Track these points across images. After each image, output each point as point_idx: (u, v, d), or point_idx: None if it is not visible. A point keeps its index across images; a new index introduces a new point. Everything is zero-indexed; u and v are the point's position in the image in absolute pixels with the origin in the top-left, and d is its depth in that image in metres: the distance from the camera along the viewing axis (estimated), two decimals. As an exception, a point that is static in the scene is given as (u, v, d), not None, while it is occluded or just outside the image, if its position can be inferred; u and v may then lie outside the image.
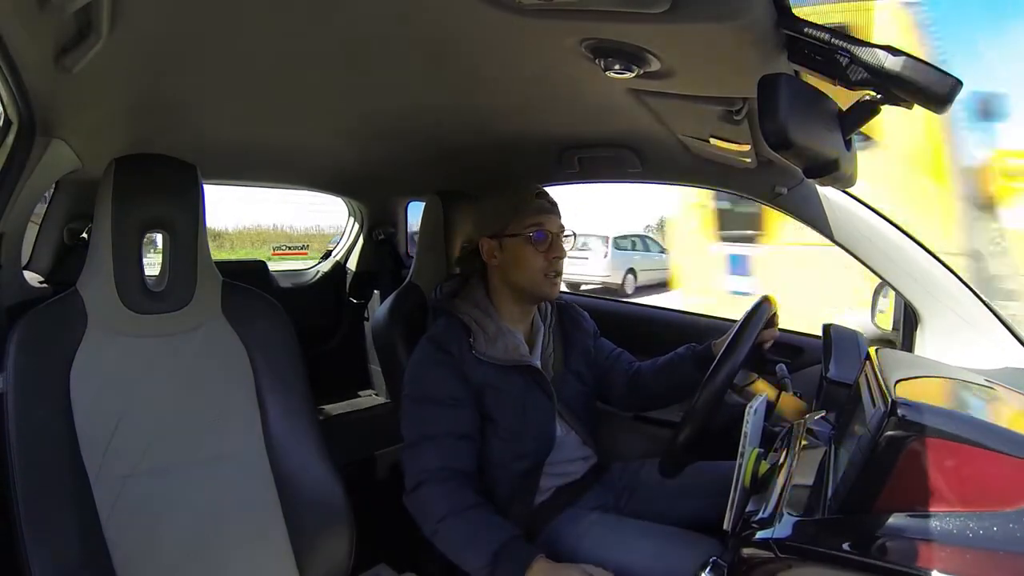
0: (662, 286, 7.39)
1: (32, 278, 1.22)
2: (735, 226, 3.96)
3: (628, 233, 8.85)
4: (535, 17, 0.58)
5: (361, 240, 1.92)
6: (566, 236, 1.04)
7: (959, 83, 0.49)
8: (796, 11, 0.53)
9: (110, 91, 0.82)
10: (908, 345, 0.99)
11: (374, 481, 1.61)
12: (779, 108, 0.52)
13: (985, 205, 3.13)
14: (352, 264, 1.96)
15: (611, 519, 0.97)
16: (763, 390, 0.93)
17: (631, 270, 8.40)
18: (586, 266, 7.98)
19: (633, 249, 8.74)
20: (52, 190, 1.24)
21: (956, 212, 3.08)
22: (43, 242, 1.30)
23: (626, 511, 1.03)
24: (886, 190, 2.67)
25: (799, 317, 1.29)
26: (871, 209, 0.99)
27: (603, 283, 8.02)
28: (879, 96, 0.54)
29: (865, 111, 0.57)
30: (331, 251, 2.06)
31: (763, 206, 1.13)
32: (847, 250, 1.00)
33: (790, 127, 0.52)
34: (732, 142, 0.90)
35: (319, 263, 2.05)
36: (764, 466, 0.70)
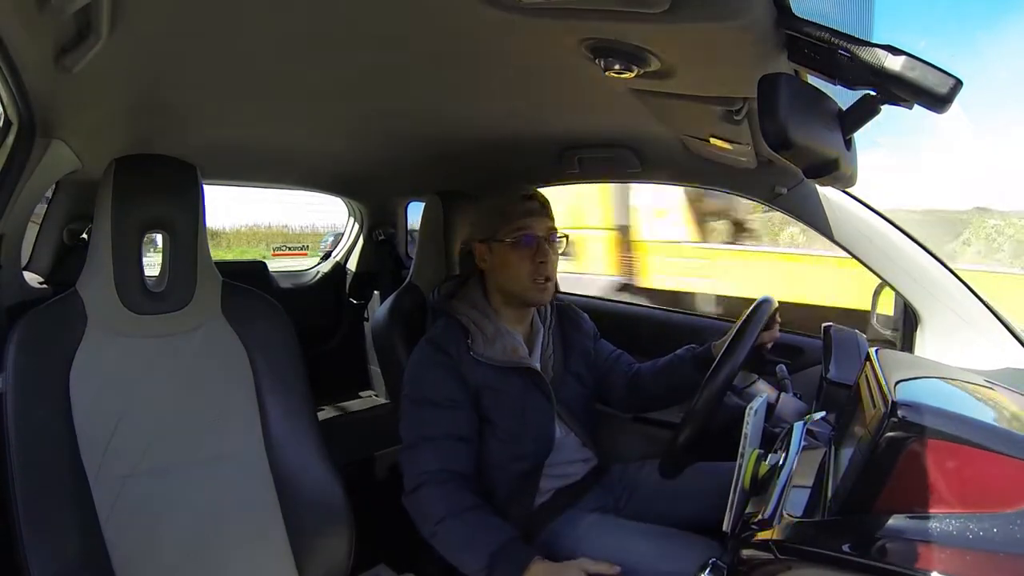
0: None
1: (32, 278, 1.22)
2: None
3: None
4: (535, 17, 0.57)
5: (361, 240, 1.92)
6: (557, 238, 1.02)
7: (959, 83, 0.49)
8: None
9: (110, 91, 0.82)
10: (908, 345, 0.99)
11: (374, 481, 1.61)
12: (779, 108, 0.51)
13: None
14: (352, 264, 1.96)
15: (610, 520, 0.97)
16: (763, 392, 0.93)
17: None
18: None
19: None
20: (52, 190, 1.24)
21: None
22: (43, 242, 1.30)
23: (625, 513, 1.03)
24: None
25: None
26: (871, 209, 0.99)
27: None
28: (879, 96, 0.54)
29: (866, 111, 0.57)
30: (331, 252, 2.07)
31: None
32: (847, 250, 1.00)
33: (790, 127, 0.52)
34: (732, 142, 0.89)
35: (319, 263, 2.05)
36: (764, 467, 0.69)
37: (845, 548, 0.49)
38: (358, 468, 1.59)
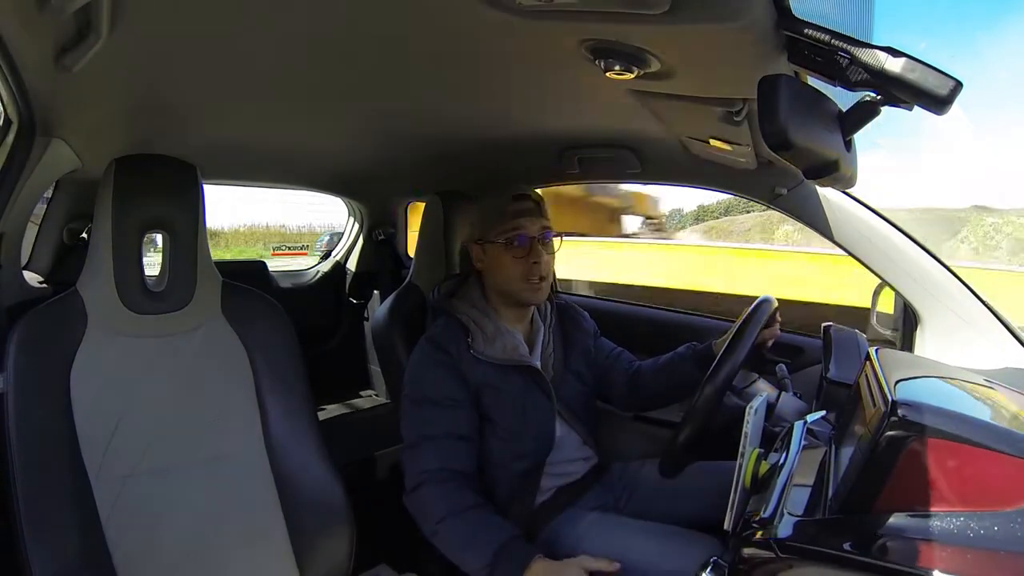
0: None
1: (32, 278, 1.22)
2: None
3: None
4: (535, 18, 0.57)
5: (361, 240, 1.92)
6: (551, 238, 1.02)
7: (959, 84, 0.49)
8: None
9: (110, 91, 0.81)
10: (908, 345, 0.99)
11: (374, 481, 1.61)
12: (779, 109, 0.52)
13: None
14: (352, 264, 1.96)
15: (611, 519, 0.97)
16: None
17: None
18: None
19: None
20: (52, 190, 1.24)
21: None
22: (43, 242, 1.29)
23: (626, 511, 1.03)
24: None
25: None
26: (871, 210, 0.99)
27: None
28: (879, 97, 0.54)
29: (865, 112, 0.57)
30: (330, 252, 2.07)
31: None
32: (847, 250, 1.00)
33: (790, 128, 0.52)
34: (732, 143, 0.90)
35: (319, 263, 2.05)
36: (764, 466, 0.70)
37: (846, 547, 0.49)
38: (358, 468, 1.59)
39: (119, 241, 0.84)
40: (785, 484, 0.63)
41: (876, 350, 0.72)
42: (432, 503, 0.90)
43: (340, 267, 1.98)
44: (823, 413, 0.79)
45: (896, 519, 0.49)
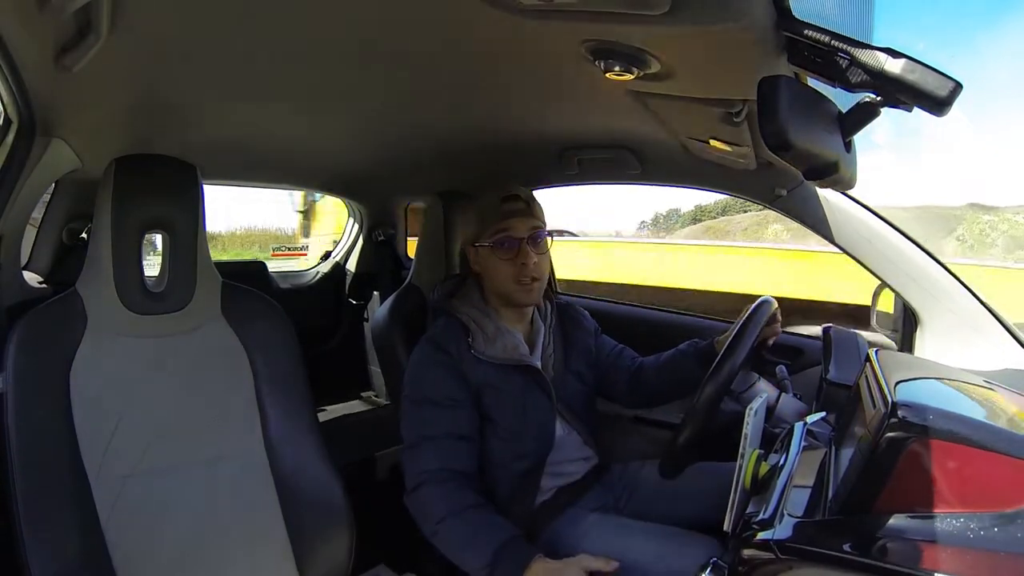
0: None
1: (32, 278, 1.22)
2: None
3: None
4: (535, 18, 0.58)
5: (361, 241, 1.92)
6: (543, 237, 1.01)
7: (959, 85, 0.49)
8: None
9: (110, 91, 0.81)
10: (908, 346, 0.99)
11: (374, 482, 1.61)
12: (779, 110, 0.52)
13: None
14: (352, 265, 1.96)
15: (612, 519, 0.97)
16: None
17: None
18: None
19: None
20: (52, 190, 1.24)
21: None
22: (43, 242, 1.30)
23: (626, 512, 1.03)
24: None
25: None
26: (870, 211, 0.99)
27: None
28: (879, 98, 0.54)
29: (865, 113, 0.57)
30: (330, 252, 2.07)
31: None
32: (847, 252, 1.00)
33: (790, 129, 0.52)
34: (732, 144, 0.90)
35: (319, 264, 2.05)
36: (764, 467, 0.70)
37: (846, 548, 0.49)
38: (358, 468, 1.59)
39: (119, 241, 0.84)
40: (785, 485, 0.63)
41: (876, 351, 0.72)
42: (432, 503, 0.90)
43: (340, 268, 1.98)
44: (823, 414, 0.79)
45: (896, 520, 0.49)
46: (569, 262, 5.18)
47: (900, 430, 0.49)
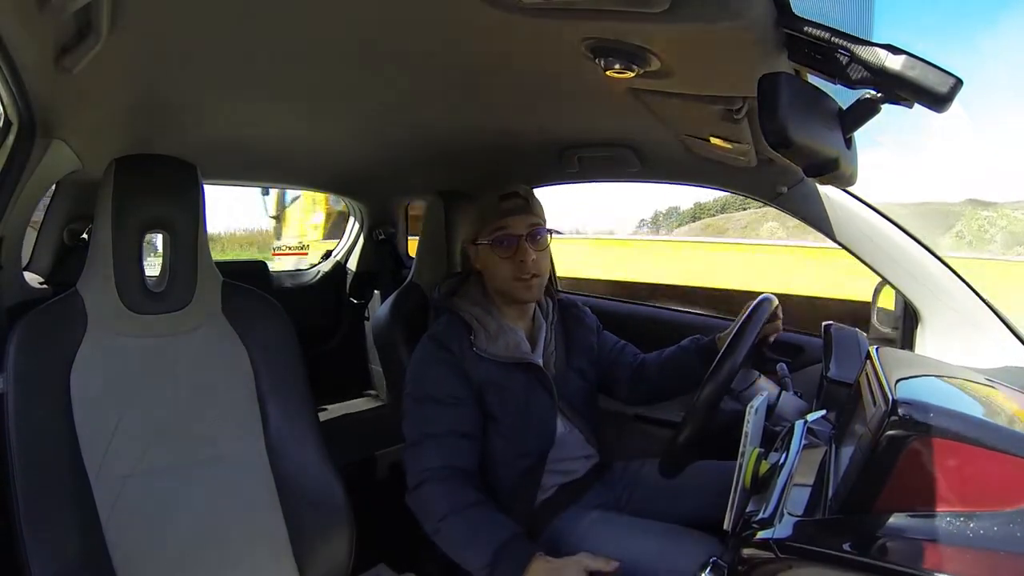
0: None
1: (32, 279, 1.23)
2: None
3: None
4: (535, 16, 0.57)
5: (361, 240, 1.92)
6: (542, 234, 1.01)
7: (960, 82, 0.49)
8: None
9: (110, 91, 0.81)
10: (908, 344, 0.99)
11: (374, 481, 1.61)
12: (779, 107, 0.52)
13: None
14: (352, 264, 1.96)
15: (613, 517, 0.97)
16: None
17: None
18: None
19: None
20: (52, 191, 1.25)
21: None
22: (43, 243, 1.30)
23: (627, 510, 1.03)
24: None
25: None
26: (872, 208, 0.99)
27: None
28: (879, 95, 0.54)
29: (866, 110, 0.57)
30: (331, 251, 2.07)
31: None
32: (848, 249, 1.00)
33: (790, 126, 0.52)
34: (732, 141, 0.90)
35: (319, 263, 2.05)
36: (765, 466, 0.70)
37: (846, 547, 0.49)
38: (358, 468, 1.59)
39: (119, 241, 0.84)
40: (785, 484, 0.63)
41: (876, 349, 0.72)
42: (434, 501, 0.90)
43: (340, 267, 1.98)
44: (823, 412, 0.79)
45: (896, 519, 0.48)
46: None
47: (901, 428, 0.49)
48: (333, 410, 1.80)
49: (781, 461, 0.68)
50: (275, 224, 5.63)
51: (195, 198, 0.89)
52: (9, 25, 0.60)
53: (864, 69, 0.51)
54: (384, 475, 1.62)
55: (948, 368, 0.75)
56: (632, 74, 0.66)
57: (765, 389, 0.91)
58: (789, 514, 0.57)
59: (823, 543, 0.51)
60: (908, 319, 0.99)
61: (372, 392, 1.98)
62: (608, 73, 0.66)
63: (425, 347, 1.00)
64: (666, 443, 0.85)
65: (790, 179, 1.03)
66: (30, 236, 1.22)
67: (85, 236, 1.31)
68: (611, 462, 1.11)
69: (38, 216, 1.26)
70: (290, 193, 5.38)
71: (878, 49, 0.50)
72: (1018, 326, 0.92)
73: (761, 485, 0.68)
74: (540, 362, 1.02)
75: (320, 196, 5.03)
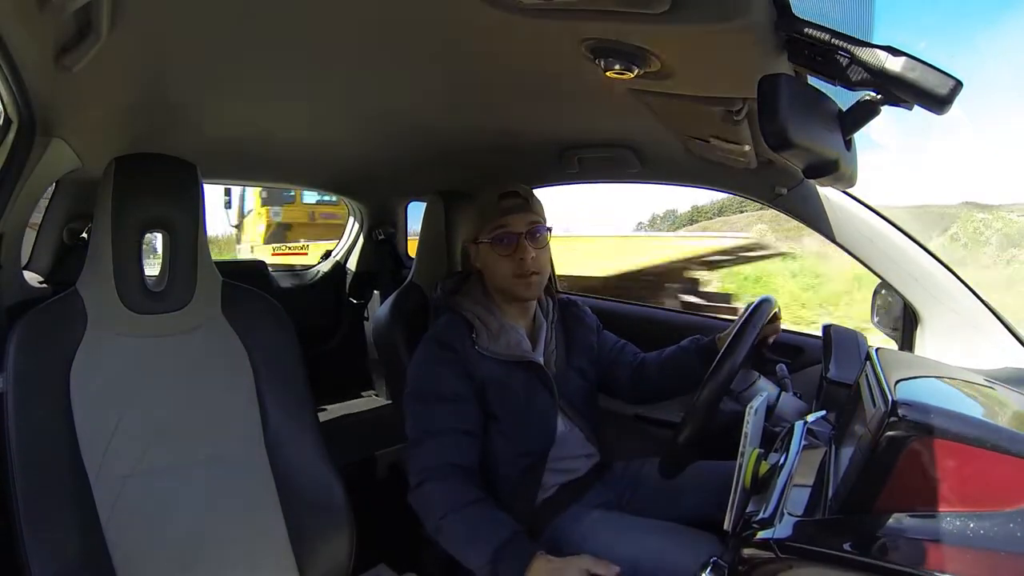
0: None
1: (32, 278, 1.22)
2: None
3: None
4: (535, 17, 0.58)
5: (361, 240, 1.92)
6: (542, 232, 1.01)
7: (959, 84, 0.49)
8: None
9: (110, 91, 0.82)
10: (908, 345, 0.99)
11: (374, 481, 1.61)
12: (779, 108, 0.52)
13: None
14: (352, 264, 1.96)
15: (614, 516, 0.97)
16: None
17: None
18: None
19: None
20: (52, 190, 1.24)
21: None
22: (43, 242, 1.30)
23: (628, 509, 1.03)
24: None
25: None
26: (871, 210, 0.99)
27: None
28: (879, 96, 0.54)
29: (865, 111, 0.57)
30: (330, 251, 2.07)
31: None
32: (847, 250, 1.00)
33: (790, 127, 0.52)
34: (732, 142, 0.90)
35: (319, 263, 2.05)
36: (764, 466, 0.70)
37: (846, 547, 0.49)
38: (358, 468, 1.59)
39: (119, 241, 0.84)
40: (785, 484, 0.63)
41: (876, 350, 0.72)
42: (435, 499, 0.90)
43: (340, 267, 1.98)
44: (823, 413, 0.79)
45: (896, 519, 0.48)
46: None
47: (900, 429, 0.49)
48: (333, 410, 1.80)
49: (781, 461, 0.68)
50: (236, 231, 6.76)
51: (195, 198, 0.89)
52: (9, 24, 0.60)
53: (864, 71, 0.51)
54: (384, 475, 1.62)
55: (948, 369, 0.75)
56: (632, 75, 0.66)
57: (765, 390, 0.91)
58: (789, 514, 0.57)
59: (823, 543, 0.51)
60: (908, 320, 0.99)
61: (372, 392, 1.98)
62: (608, 74, 0.66)
63: (427, 346, 1.00)
64: (666, 443, 0.85)
65: (790, 180, 1.03)
66: (29, 236, 1.22)
67: (85, 235, 1.31)
68: (611, 462, 1.11)
69: (35, 218, 1.26)
70: (247, 206, 6.53)
71: (878, 51, 0.50)
72: (1017, 327, 0.92)
73: (761, 485, 0.68)
74: (541, 360, 1.02)
75: (263, 210, 6.35)
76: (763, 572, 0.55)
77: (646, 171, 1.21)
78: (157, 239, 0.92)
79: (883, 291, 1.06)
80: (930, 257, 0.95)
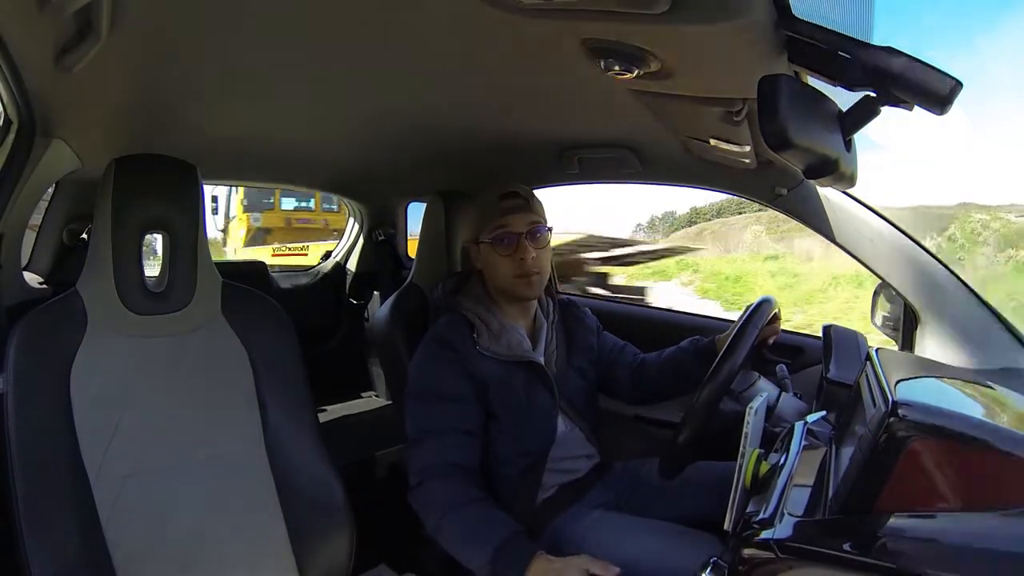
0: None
1: (32, 279, 1.22)
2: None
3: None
4: (535, 17, 0.58)
5: (361, 240, 1.92)
6: (543, 232, 1.01)
7: (959, 84, 0.49)
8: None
9: (110, 91, 0.82)
10: (908, 346, 0.99)
11: (374, 481, 1.61)
12: (779, 109, 0.52)
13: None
14: (352, 264, 1.96)
15: (614, 517, 0.97)
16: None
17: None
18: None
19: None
20: (52, 191, 1.24)
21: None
22: (43, 243, 1.30)
23: (627, 510, 1.03)
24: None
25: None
26: (871, 210, 0.99)
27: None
28: (879, 97, 0.54)
29: (865, 112, 0.57)
30: (330, 252, 2.07)
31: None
32: (847, 251, 1.00)
33: (790, 128, 0.52)
34: (732, 143, 0.90)
35: (319, 263, 2.05)
36: (765, 467, 0.70)
37: (846, 547, 0.49)
38: (358, 468, 1.59)
39: (119, 241, 0.84)
40: (785, 484, 0.63)
41: (876, 350, 0.72)
42: (435, 498, 0.90)
43: (340, 267, 1.99)
44: (823, 413, 0.79)
45: (896, 520, 0.48)
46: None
47: (900, 429, 0.49)
48: (333, 410, 1.80)
49: (781, 462, 0.68)
50: (222, 235, 7.23)
51: (195, 199, 0.89)
52: (9, 25, 0.60)
53: (864, 71, 0.51)
54: (384, 475, 1.62)
55: (948, 369, 0.75)
56: (632, 75, 0.66)
57: (765, 390, 0.91)
58: (789, 514, 0.57)
59: (823, 543, 0.51)
60: (908, 321, 0.99)
61: (372, 392, 1.98)
62: (608, 74, 0.66)
63: (428, 346, 1.01)
64: (666, 444, 0.85)
65: (790, 181, 1.03)
66: (29, 236, 1.22)
67: (85, 236, 1.31)
68: (611, 462, 1.11)
69: (35, 219, 1.26)
70: (232, 212, 7.05)
71: (878, 51, 0.50)
72: (1017, 328, 0.92)
73: (761, 486, 0.68)
74: (542, 360, 1.02)
75: (244, 216, 6.86)
76: (763, 572, 0.55)
77: (646, 171, 1.21)
78: (157, 241, 0.92)
79: (883, 291, 1.06)
80: (930, 257, 0.95)
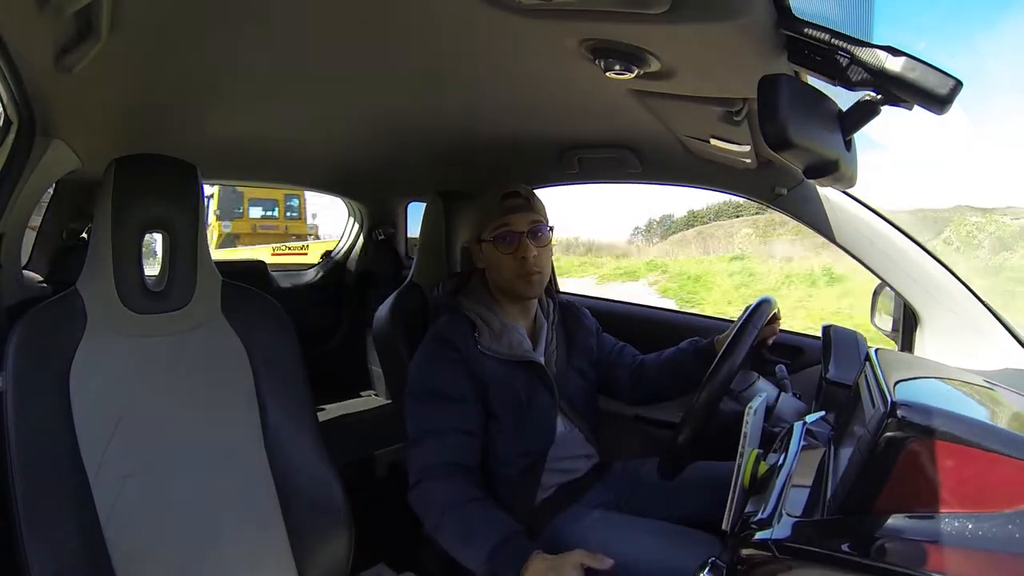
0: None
1: (32, 278, 1.23)
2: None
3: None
4: (535, 17, 0.58)
5: (361, 240, 1.92)
6: (544, 231, 1.01)
7: (959, 84, 0.49)
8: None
9: (110, 91, 0.82)
10: (908, 346, 0.99)
11: (374, 481, 1.61)
12: (779, 108, 0.52)
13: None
14: (352, 264, 1.96)
15: (613, 517, 0.97)
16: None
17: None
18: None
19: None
20: (52, 190, 1.25)
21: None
22: (43, 242, 1.30)
23: (627, 510, 1.03)
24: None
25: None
26: (871, 210, 0.99)
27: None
28: (879, 97, 0.54)
29: (865, 112, 0.57)
30: (330, 251, 2.07)
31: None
32: (847, 251, 1.00)
33: (790, 127, 0.52)
34: (732, 142, 0.90)
35: (319, 263, 2.05)
36: (763, 467, 0.70)
37: (844, 548, 0.49)
38: (358, 468, 1.59)
39: (119, 241, 0.84)
40: (784, 485, 0.63)
41: (876, 350, 0.72)
42: (435, 497, 0.90)
43: (340, 267, 1.99)
44: (822, 414, 0.79)
45: (895, 520, 0.48)
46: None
47: (899, 430, 0.49)
48: (333, 410, 1.80)
49: (780, 462, 0.68)
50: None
51: (195, 199, 0.89)
52: (9, 25, 0.60)
53: (864, 71, 0.51)
54: (383, 475, 1.62)
55: (947, 370, 0.75)
56: (632, 75, 0.66)
57: (764, 390, 0.91)
58: (788, 515, 0.57)
59: (822, 544, 0.51)
60: (907, 321, 0.99)
61: (372, 392, 1.98)
62: (608, 74, 0.66)
63: (430, 345, 1.01)
64: (665, 444, 0.85)
65: (790, 181, 1.03)
66: (29, 236, 1.22)
67: (85, 235, 1.31)
68: (611, 462, 1.11)
69: (35, 220, 1.26)
70: (208, 219, 7.45)
71: (878, 51, 0.50)
72: (1017, 328, 0.92)
73: (760, 486, 0.68)
74: (542, 360, 1.02)
75: (216, 223, 7.61)
76: (761, 572, 0.55)
77: (646, 171, 1.22)
78: (156, 243, 0.92)
79: (883, 292, 1.06)
80: (930, 258, 0.95)
